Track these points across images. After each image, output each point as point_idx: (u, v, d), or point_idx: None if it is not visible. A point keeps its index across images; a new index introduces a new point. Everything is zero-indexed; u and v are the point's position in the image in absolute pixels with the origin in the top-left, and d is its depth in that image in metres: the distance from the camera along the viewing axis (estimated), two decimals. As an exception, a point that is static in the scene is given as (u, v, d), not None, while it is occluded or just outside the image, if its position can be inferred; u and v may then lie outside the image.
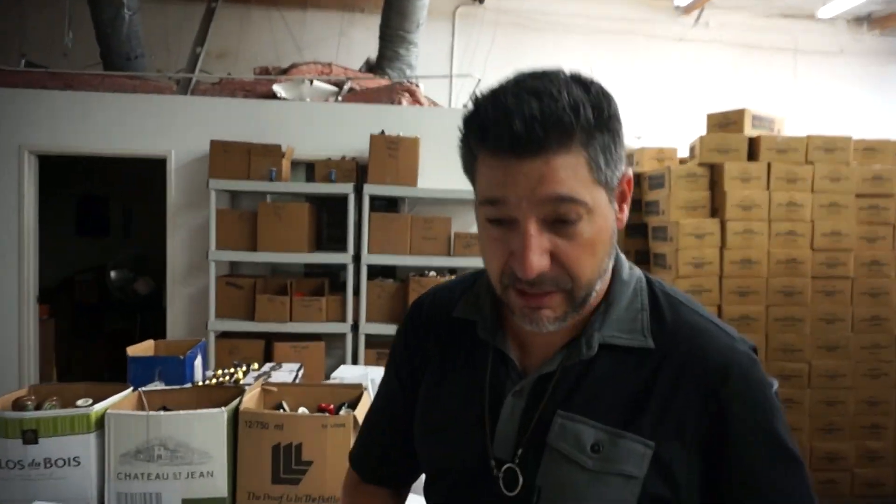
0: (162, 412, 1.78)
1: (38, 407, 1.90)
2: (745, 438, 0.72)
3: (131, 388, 1.98)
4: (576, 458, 0.73)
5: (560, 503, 0.74)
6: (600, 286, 0.75)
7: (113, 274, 5.88)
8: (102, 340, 5.82)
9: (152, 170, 4.17)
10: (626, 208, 0.77)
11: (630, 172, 0.77)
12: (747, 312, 3.59)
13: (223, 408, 1.78)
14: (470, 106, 0.72)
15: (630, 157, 4.58)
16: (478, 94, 0.72)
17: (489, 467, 0.77)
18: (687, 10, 5.96)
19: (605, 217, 0.72)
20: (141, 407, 1.95)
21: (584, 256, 0.70)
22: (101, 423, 1.76)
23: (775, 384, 0.77)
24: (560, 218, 0.68)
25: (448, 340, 0.88)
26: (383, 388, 0.98)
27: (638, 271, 0.82)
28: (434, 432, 0.86)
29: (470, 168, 0.74)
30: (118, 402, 1.86)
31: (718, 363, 0.73)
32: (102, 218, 6.61)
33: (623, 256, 0.82)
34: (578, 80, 0.70)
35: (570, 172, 0.67)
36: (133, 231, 6.61)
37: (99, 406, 1.78)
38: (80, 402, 1.90)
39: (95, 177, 6.26)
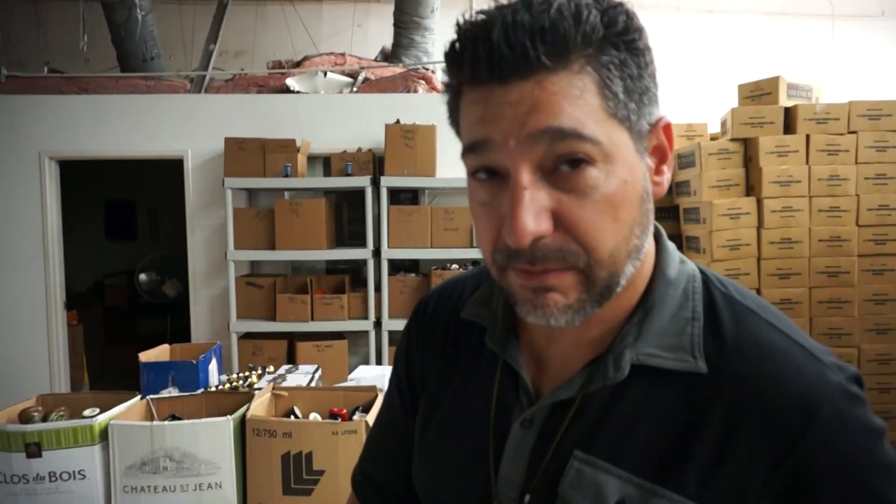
0: (166, 422, 1.71)
1: (45, 418, 1.85)
2: None
3: (139, 396, 1.93)
4: None
5: None
6: (631, 271, 0.55)
7: (142, 277, 5.93)
8: (135, 343, 5.88)
9: (174, 171, 4.15)
10: (667, 169, 0.58)
11: (666, 118, 0.58)
12: (789, 296, 3.38)
13: (229, 416, 1.71)
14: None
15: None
16: (460, 20, 0.54)
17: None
18: (714, -21, 5.69)
19: (630, 169, 0.53)
20: (149, 415, 1.89)
21: (602, 219, 0.52)
22: (105, 434, 1.71)
23: (883, 427, 0.55)
24: (563, 161, 0.51)
25: (452, 348, 0.73)
26: (386, 399, 0.84)
27: (692, 266, 0.63)
28: (429, 462, 0.71)
29: (454, 114, 0.58)
30: (125, 411, 1.80)
31: (799, 400, 0.52)
32: (130, 221, 6.68)
33: (671, 246, 0.63)
34: None
35: (572, 99, 0.50)
36: (160, 233, 6.66)
37: (103, 417, 1.72)
38: (86, 413, 1.85)
39: (122, 180, 6.32)
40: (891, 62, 5.84)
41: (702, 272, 0.63)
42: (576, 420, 0.59)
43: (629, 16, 0.53)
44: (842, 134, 3.44)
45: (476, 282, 0.75)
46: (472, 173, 0.56)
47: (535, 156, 0.51)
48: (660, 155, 0.58)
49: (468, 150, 0.55)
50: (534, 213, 0.51)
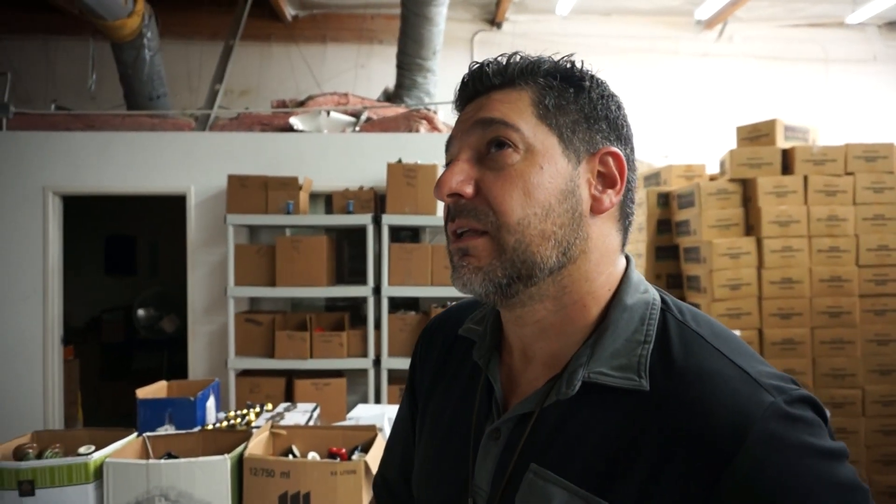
0: (162, 461, 1.68)
1: (39, 455, 1.82)
2: None
3: (135, 434, 1.90)
4: None
5: None
6: (554, 261, 0.63)
7: (140, 312, 5.90)
8: (131, 380, 5.82)
9: (177, 207, 4.17)
10: (614, 193, 0.66)
11: (618, 150, 0.67)
12: (791, 336, 3.37)
13: (226, 455, 1.68)
14: None
15: (657, 176, 4.42)
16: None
17: None
18: (709, 24, 5.84)
19: (552, 162, 0.64)
20: (145, 453, 1.86)
21: (513, 189, 0.62)
22: (100, 472, 1.68)
23: (837, 448, 0.55)
24: (492, 144, 0.64)
25: (445, 361, 0.80)
26: (400, 409, 0.91)
27: (653, 295, 0.67)
28: (419, 466, 0.78)
29: None
30: (120, 449, 1.77)
31: (730, 421, 0.54)
32: (130, 256, 6.68)
33: (638, 277, 0.68)
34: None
35: (507, 103, 0.65)
36: (160, 269, 6.66)
37: (98, 454, 1.69)
38: (81, 450, 1.82)
39: (123, 216, 6.35)
40: (884, 105, 5.95)
41: (663, 301, 0.67)
42: (533, 433, 0.64)
43: (577, 65, 0.68)
44: (839, 175, 3.48)
45: (477, 305, 0.82)
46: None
47: (472, 141, 0.66)
48: (608, 181, 0.66)
49: (445, 150, 0.69)
50: (458, 176, 0.64)
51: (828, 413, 0.56)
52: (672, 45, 5.93)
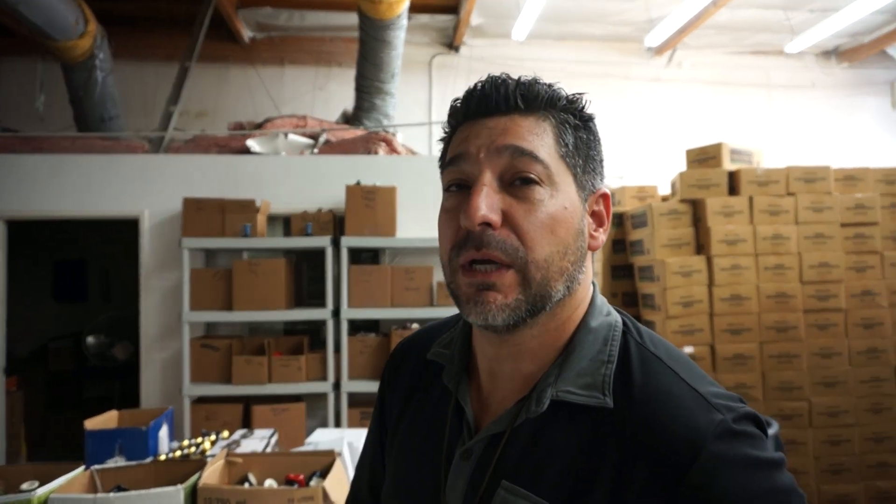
0: (112, 494, 1.63)
1: (-21, 493, 1.74)
2: None
3: (83, 467, 1.84)
4: None
5: None
6: (562, 293, 0.65)
7: (90, 339, 5.69)
8: (80, 410, 5.59)
9: (130, 231, 4.07)
10: (602, 232, 0.71)
11: (606, 189, 0.72)
12: (741, 351, 3.47)
13: (180, 486, 1.64)
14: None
15: (612, 197, 4.54)
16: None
17: None
18: (658, 51, 6.06)
19: (571, 204, 0.66)
20: (93, 488, 1.80)
21: (542, 228, 0.63)
22: (45, 509, 1.61)
23: (776, 459, 0.60)
24: (518, 176, 0.64)
25: (417, 385, 0.81)
26: (369, 432, 0.91)
27: (616, 318, 0.71)
28: (391, 489, 0.78)
29: (444, 157, 0.71)
30: (66, 483, 1.71)
31: (684, 439, 0.58)
32: (80, 282, 6.46)
33: (601, 301, 0.73)
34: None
35: (534, 134, 0.65)
36: (112, 294, 6.46)
37: (42, 490, 1.63)
38: (24, 486, 1.75)
39: (73, 240, 6.16)
40: (823, 129, 6.25)
41: (625, 323, 0.71)
42: (505, 452, 0.66)
43: (587, 113, 0.70)
44: (782, 196, 3.63)
45: (445, 329, 0.83)
46: (446, 188, 0.69)
47: (498, 166, 0.65)
48: (597, 220, 0.71)
49: (448, 164, 0.68)
50: (487, 202, 0.62)
51: (775, 425, 0.61)
52: (624, 70, 6.13)
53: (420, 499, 0.72)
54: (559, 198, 0.65)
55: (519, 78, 0.68)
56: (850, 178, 3.77)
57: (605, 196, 0.71)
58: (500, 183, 0.64)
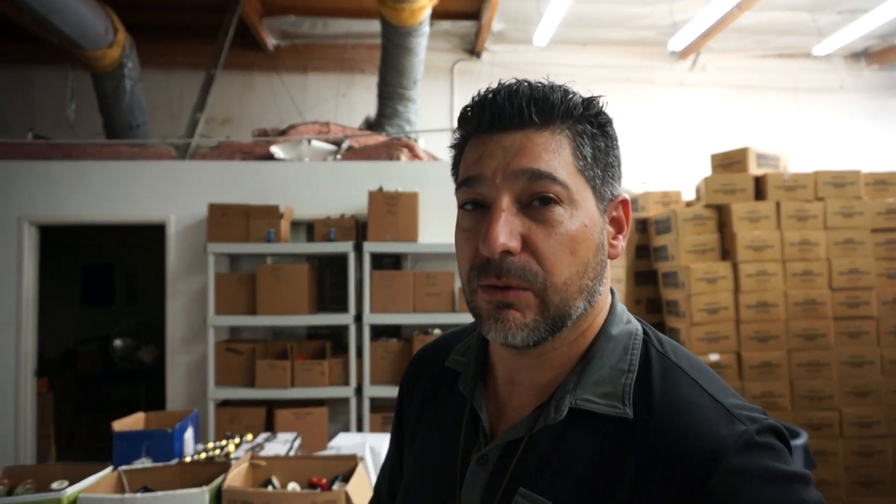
0: (138, 494, 1.65)
1: (10, 491, 1.78)
2: None
3: (111, 468, 1.86)
4: None
5: None
6: (581, 310, 0.64)
7: (117, 343, 5.79)
8: (106, 412, 5.69)
9: (156, 236, 4.14)
10: (622, 238, 0.70)
11: (625, 195, 0.70)
12: (768, 359, 3.41)
13: (205, 487, 1.66)
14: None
15: (635, 202, 4.50)
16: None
17: None
18: (682, 55, 6.00)
19: (591, 219, 0.65)
20: (120, 488, 1.83)
21: (562, 250, 0.62)
22: (74, 508, 1.64)
23: (802, 474, 0.58)
24: (536, 197, 0.62)
25: (434, 393, 0.81)
26: (390, 438, 0.91)
27: (636, 326, 0.71)
28: (406, 495, 0.78)
29: (456, 166, 0.70)
30: (94, 483, 1.74)
31: (704, 449, 0.57)
32: (107, 286, 6.58)
33: (621, 308, 0.72)
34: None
35: (550, 152, 0.63)
36: (138, 299, 6.57)
37: (72, 490, 1.66)
38: (54, 486, 1.78)
39: (101, 245, 6.28)
40: (852, 133, 6.13)
41: (645, 332, 0.70)
42: (523, 459, 0.66)
43: (603, 108, 0.67)
44: (810, 201, 3.57)
45: (463, 336, 0.83)
46: (461, 206, 0.67)
47: (515, 189, 0.63)
48: (617, 226, 0.70)
49: (462, 185, 0.66)
50: (507, 230, 0.61)
51: (804, 436, 0.59)
52: (647, 75, 6.08)
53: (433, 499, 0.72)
54: (579, 216, 0.63)
55: (531, 86, 0.65)
56: (882, 182, 3.69)
57: (624, 202, 0.70)
58: (518, 205, 0.63)
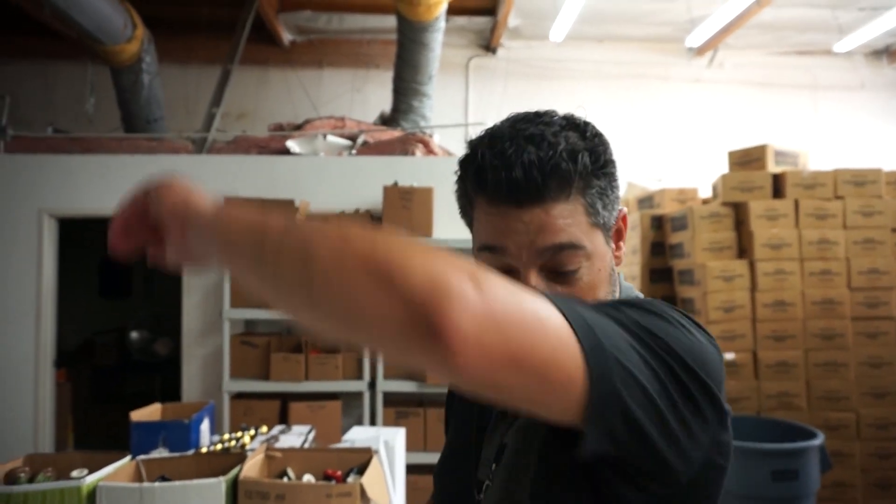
0: (156, 483, 1.67)
1: (31, 478, 1.81)
2: None
3: (129, 457, 1.89)
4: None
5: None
6: None
7: (133, 335, 5.86)
8: (123, 403, 5.75)
9: (171, 230, 4.16)
10: (623, 245, 0.78)
11: (625, 210, 0.77)
12: (785, 358, 3.38)
13: (221, 478, 1.67)
14: (466, 149, 0.72)
15: (650, 199, 4.47)
16: (474, 137, 0.73)
17: (472, 494, 0.77)
18: (700, 51, 5.94)
19: (602, 258, 0.72)
20: (139, 477, 1.85)
21: (583, 298, 0.69)
22: (93, 496, 1.66)
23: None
24: (560, 267, 0.68)
25: None
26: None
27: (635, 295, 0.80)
28: (438, 466, 0.88)
29: (467, 212, 0.75)
30: (114, 472, 1.76)
31: None
32: (124, 279, 6.65)
33: (627, 286, 0.80)
34: (573, 125, 0.71)
35: (569, 220, 0.68)
36: (155, 291, 6.63)
37: (91, 478, 1.68)
38: (74, 473, 1.81)
39: (118, 238, 6.33)
40: (872, 131, 6.05)
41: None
42: None
43: (603, 144, 0.71)
44: (829, 199, 3.52)
45: None
46: (479, 250, 0.72)
47: (540, 262, 0.69)
48: (617, 236, 0.77)
49: (486, 250, 0.71)
50: None
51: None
52: (664, 71, 6.03)
53: (461, 460, 0.81)
54: (595, 262, 0.70)
55: (536, 147, 0.66)
56: (903, 181, 3.64)
57: (623, 215, 0.77)
58: (544, 273, 0.69)
